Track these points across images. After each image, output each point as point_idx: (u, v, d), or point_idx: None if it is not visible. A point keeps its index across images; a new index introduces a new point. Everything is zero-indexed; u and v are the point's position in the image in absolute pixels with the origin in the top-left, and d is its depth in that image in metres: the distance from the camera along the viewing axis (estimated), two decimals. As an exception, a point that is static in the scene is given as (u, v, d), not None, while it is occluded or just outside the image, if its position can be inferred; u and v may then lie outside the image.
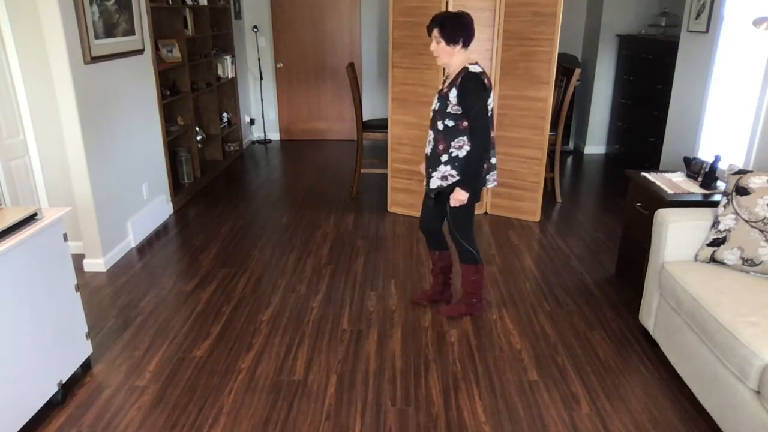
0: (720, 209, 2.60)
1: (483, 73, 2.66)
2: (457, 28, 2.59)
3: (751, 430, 1.98)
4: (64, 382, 2.44)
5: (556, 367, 2.68)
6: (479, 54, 4.22)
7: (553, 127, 4.69)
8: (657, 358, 2.74)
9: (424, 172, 2.93)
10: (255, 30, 6.90)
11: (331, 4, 6.86)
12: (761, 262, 2.44)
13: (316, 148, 6.93)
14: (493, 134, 2.79)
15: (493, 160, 2.86)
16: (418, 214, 4.58)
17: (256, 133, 7.36)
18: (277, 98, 7.23)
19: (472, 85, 2.60)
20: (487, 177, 2.86)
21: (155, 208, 4.37)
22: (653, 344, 2.82)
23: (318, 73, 7.09)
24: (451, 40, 2.61)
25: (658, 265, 2.72)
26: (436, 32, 2.63)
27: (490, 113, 2.70)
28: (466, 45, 2.65)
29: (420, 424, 2.30)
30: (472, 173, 2.72)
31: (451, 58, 2.66)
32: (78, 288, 2.57)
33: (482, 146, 2.65)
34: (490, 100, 2.69)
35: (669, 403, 2.43)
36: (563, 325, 3.03)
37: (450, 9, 4.00)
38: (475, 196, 2.79)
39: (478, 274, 2.99)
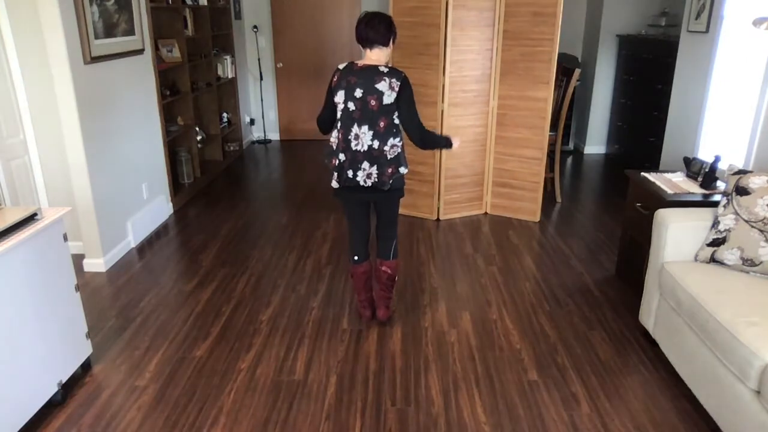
0: (720, 209, 2.60)
1: (341, 69, 2.68)
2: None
3: (751, 430, 1.98)
4: (64, 382, 2.44)
5: (556, 367, 2.68)
6: (480, 54, 4.23)
7: (553, 127, 4.69)
8: (657, 358, 2.74)
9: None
10: (255, 30, 6.90)
11: (331, 4, 6.86)
12: (761, 262, 2.44)
13: (316, 148, 6.93)
14: (355, 144, 2.80)
15: (335, 160, 2.87)
16: (418, 214, 4.58)
17: (256, 133, 7.36)
18: (277, 98, 7.23)
19: None
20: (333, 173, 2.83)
21: (155, 208, 4.37)
22: (653, 344, 2.82)
23: (318, 73, 7.09)
24: None
25: (658, 265, 2.72)
26: None
27: (351, 110, 2.72)
28: (359, 42, 2.71)
29: (420, 424, 2.31)
30: None
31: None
32: (78, 288, 2.57)
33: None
34: (341, 97, 2.70)
35: (669, 403, 2.44)
36: (563, 325, 3.03)
37: (450, 9, 4.02)
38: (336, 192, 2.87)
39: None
